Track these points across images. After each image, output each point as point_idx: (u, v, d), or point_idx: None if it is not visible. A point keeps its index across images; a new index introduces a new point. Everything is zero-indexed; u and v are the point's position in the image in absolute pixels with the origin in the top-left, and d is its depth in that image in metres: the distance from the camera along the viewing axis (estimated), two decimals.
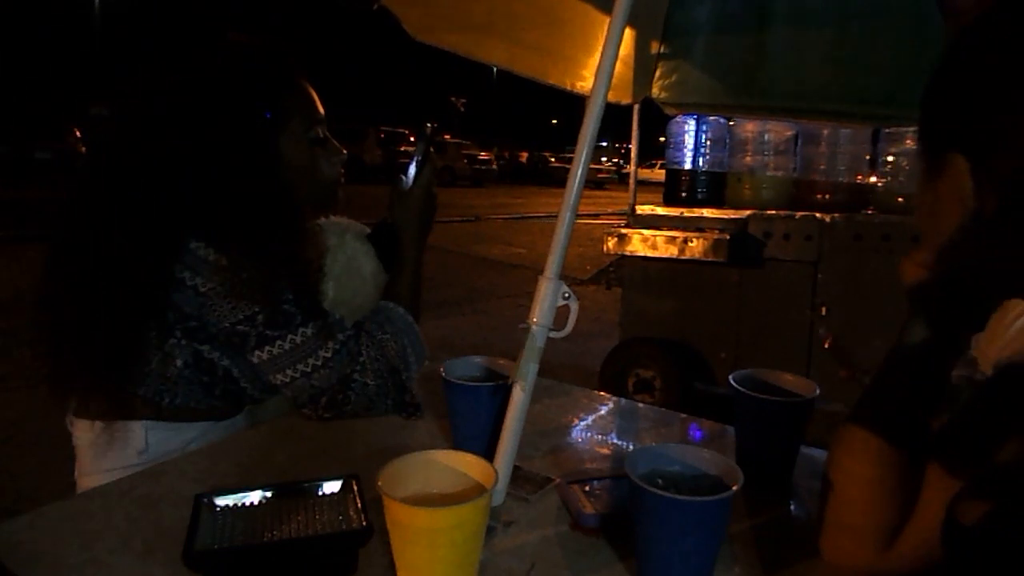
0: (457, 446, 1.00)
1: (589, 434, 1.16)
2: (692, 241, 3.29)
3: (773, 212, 3.33)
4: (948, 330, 0.60)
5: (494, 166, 26.85)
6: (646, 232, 3.41)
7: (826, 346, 0.99)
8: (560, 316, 0.89)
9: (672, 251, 3.33)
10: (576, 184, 0.89)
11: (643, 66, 2.59)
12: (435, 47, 2.07)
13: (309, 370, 1.04)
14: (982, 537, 0.47)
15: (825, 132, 3.44)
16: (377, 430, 1.10)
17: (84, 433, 1.10)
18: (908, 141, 3.26)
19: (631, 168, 3.74)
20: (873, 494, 0.59)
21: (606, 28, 0.91)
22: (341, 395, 1.07)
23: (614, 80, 0.92)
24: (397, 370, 1.10)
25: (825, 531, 0.63)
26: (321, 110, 1.17)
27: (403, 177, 1.21)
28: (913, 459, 0.57)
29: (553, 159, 32.11)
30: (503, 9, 2.12)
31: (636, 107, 3.23)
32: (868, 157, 3.44)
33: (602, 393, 1.37)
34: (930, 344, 0.61)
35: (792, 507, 0.94)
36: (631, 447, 1.11)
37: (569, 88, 2.39)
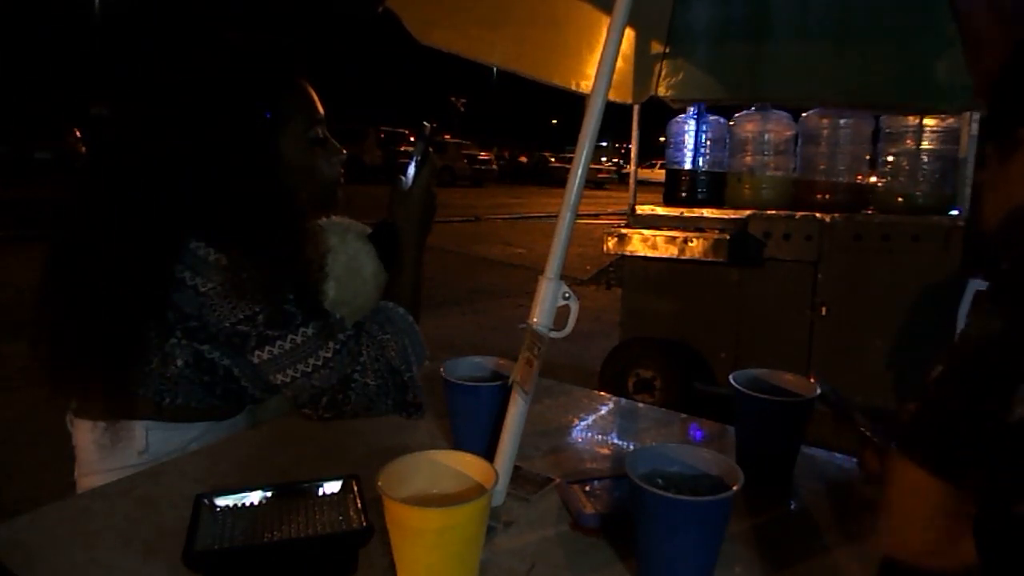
0: (457, 446, 1.00)
1: (589, 434, 1.16)
2: (692, 241, 3.29)
3: (773, 212, 3.33)
4: None
5: (494, 166, 26.84)
6: (646, 232, 3.41)
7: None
8: (560, 316, 0.89)
9: (672, 251, 3.33)
10: (576, 184, 0.89)
11: (645, 66, 2.59)
12: (438, 49, 2.06)
13: (309, 370, 1.04)
14: None
15: (825, 132, 3.44)
16: (377, 430, 1.10)
17: (84, 433, 1.10)
18: (908, 141, 3.25)
19: (631, 168, 3.74)
20: (933, 514, 0.57)
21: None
22: (341, 395, 1.07)
23: (617, 79, 0.92)
24: (397, 370, 1.10)
25: (884, 522, 0.62)
26: (321, 110, 1.17)
27: (402, 178, 1.21)
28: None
29: (553, 159, 32.09)
30: (507, 10, 2.12)
31: (636, 107, 3.22)
32: (868, 157, 3.44)
33: (602, 393, 1.37)
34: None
35: (792, 507, 0.94)
36: (631, 447, 1.11)
37: (574, 88, 2.39)
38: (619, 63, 2.34)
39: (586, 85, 2.38)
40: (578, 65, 2.33)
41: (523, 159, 33.73)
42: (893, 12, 1.89)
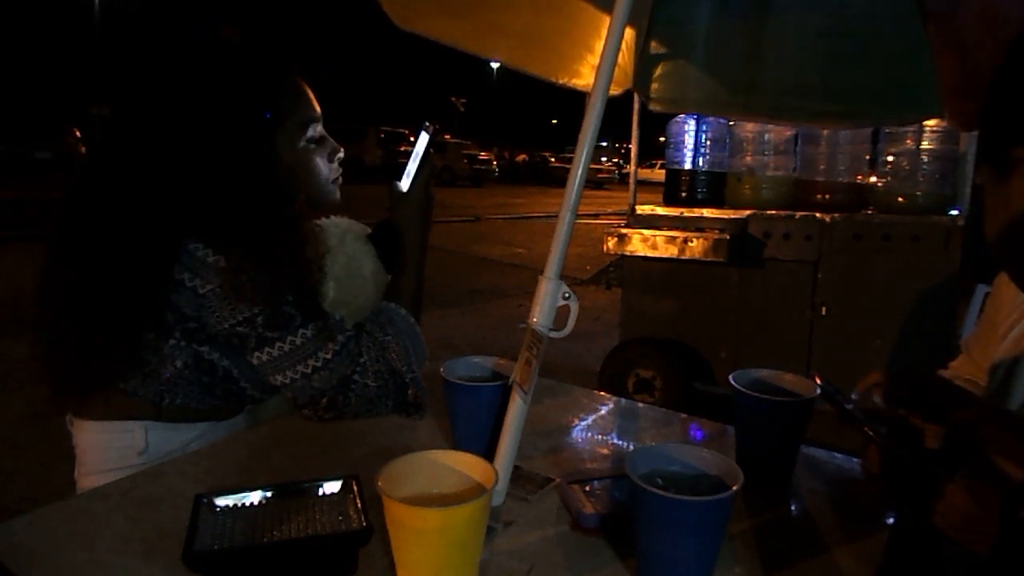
0: (457, 446, 1.00)
1: (589, 434, 1.16)
2: (692, 241, 3.29)
3: (773, 212, 3.33)
4: None
5: (494, 166, 26.85)
6: (646, 232, 3.41)
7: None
8: (560, 316, 0.89)
9: (672, 251, 3.33)
10: (576, 184, 0.89)
11: (634, 59, 2.58)
12: (422, 36, 2.04)
13: (309, 371, 1.04)
14: None
15: (825, 132, 3.44)
16: (377, 430, 1.10)
17: (84, 433, 1.10)
18: (908, 141, 3.25)
19: (631, 168, 3.74)
20: None
21: (596, 22, 0.91)
22: (341, 396, 1.07)
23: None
24: (398, 371, 1.10)
25: None
26: (317, 108, 1.17)
27: (399, 183, 1.20)
28: None
29: (553, 159, 32.11)
30: None
31: (636, 106, 3.23)
32: (868, 157, 3.44)
33: (602, 393, 1.37)
34: None
35: (792, 507, 0.94)
36: (631, 447, 1.11)
37: (554, 81, 2.38)
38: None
39: (567, 78, 2.37)
40: (561, 59, 2.32)
41: (523, 159, 33.72)
42: (888, 27, 1.88)
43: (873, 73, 1.96)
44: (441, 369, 1.00)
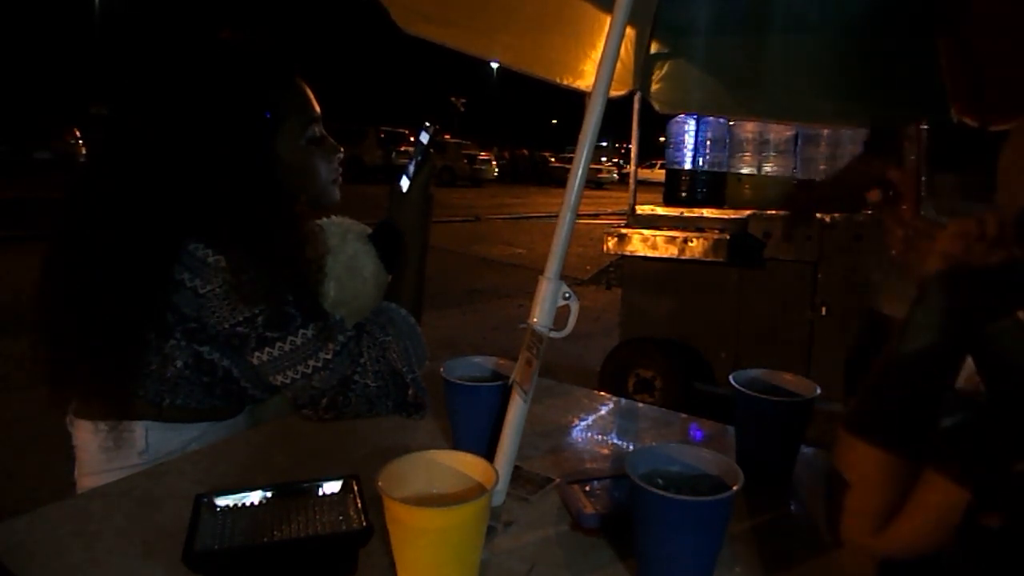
0: (457, 446, 1.00)
1: (589, 434, 1.16)
2: (692, 241, 3.29)
3: (773, 212, 3.33)
4: (968, 325, 0.61)
5: (494, 166, 26.83)
6: (646, 232, 3.41)
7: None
8: (560, 316, 0.89)
9: (672, 251, 3.33)
10: (576, 184, 0.89)
11: (636, 60, 2.59)
12: (424, 39, 2.05)
13: (309, 372, 1.04)
14: (1004, 539, 0.47)
15: (825, 132, 3.45)
16: (377, 430, 1.10)
17: (84, 433, 1.10)
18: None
19: (631, 168, 3.74)
20: (872, 487, 0.62)
21: (598, 23, 0.91)
22: (341, 397, 1.07)
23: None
24: (399, 372, 1.10)
25: (833, 513, 0.66)
26: (317, 108, 1.17)
27: (399, 184, 1.20)
28: (911, 460, 0.58)
29: (553, 159, 32.10)
30: (494, 1, 2.11)
31: (636, 106, 3.23)
32: None
33: (602, 393, 1.37)
34: (941, 345, 0.62)
35: (792, 507, 0.94)
36: (631, 447, 1.11)
37: (558, 81, 2.38)
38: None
39: (570, 79, 2.37)
40: (564, 59, 2.32)
41: (523, 159, 33.70)
42: (889, 29, 1.89)
43: (874, 74, 1.97)
44: (441, 369, 1.00)
